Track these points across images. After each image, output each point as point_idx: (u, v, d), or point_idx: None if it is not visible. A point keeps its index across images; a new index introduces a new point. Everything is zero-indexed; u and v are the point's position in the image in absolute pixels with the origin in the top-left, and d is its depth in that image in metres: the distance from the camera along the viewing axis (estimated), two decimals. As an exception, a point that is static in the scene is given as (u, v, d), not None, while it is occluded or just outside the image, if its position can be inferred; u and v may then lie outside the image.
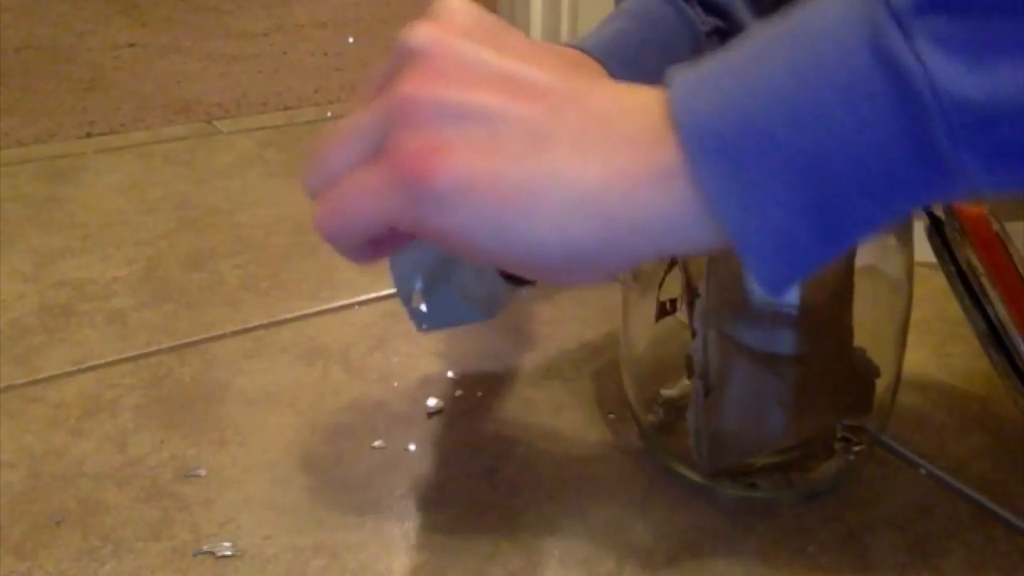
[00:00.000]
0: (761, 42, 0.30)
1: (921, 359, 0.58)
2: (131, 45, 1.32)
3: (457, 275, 0.47)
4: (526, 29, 1.21)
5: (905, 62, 0.27)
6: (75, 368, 0.58)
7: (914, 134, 0.27)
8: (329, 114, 1.04)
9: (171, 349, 0.60)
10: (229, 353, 0.59)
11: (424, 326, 0.48)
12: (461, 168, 0.30)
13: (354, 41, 1.34)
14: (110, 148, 0.94)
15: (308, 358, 0.59)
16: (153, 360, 0.59)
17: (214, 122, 1.02)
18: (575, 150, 0.30)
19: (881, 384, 0.47)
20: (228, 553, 0.43)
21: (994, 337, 0.45)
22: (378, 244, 0.34)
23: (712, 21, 0.60)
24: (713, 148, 0.29)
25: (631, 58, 0.57)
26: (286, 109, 1.05)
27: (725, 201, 0.29)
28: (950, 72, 0.27)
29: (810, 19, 0.29)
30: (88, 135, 0.98)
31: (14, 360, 0.59)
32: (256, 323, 0.63)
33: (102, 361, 0.58)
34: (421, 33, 0.32)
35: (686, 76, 0.31)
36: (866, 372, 0.47)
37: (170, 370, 0.58)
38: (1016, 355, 0.46)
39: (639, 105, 0.31)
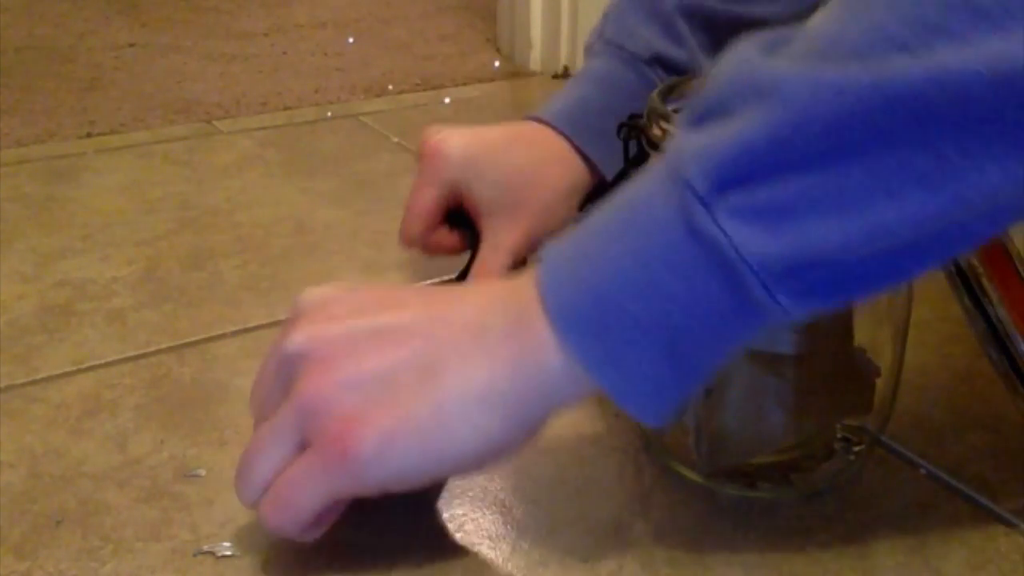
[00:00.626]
0: (605, 227, 0.37)
1: (921, 359, 0.58)
2: (131, 45, 1.32)
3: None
4: (526, 29, 1.21)
5: (713, 235, 0.33)
6: (75, 368, 0.58)
7: (734, 290, 0.34)
8: (329, 114, 1.04)
9: (171, 349, 0.60)
10: (229, 353, 0.59)
11: None
12: (377, 430, 0.36)
13: (354, 41, 1.34)
14: (110, 148, 0.94)
15: (308, 358, 0.59)
16: (153, 360, 0.59)
17: (214, 122, 1.02)
18: (459, 362, 0.37)
19: (881, 384, 0.47)
20: (228, 553, 0.44)
21: (994, 337, 0.45)
22: (319, 519, 0.40)
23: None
24: (577, 324, 0.36)
25: (594, 126, 0.62)
26: (286, 109, 1.05)
27: (595, 364, 0.36)
28: (750, 237, 0.33)
29: (637, 203, 0.36)
30: (88, 135, 0.98)
31: (14, 360, 0.59)
32: (256, 323, 0.63)
33: (102, 361, 0.58)
34: (296, 339, 0.39)
35: (551, 262, 0.37)
36: (866, 372, 0.47)
37: (170, 370, 0.58)
38: (1016, 355, 0.46)
39: (499, 301, 0.38)
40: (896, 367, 0.48)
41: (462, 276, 0.63)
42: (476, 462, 0.39)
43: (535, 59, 1.21)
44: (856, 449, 0.48)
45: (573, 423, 0.53)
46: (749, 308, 0.34)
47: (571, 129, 0.62)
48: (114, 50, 1.29)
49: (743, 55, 0.34)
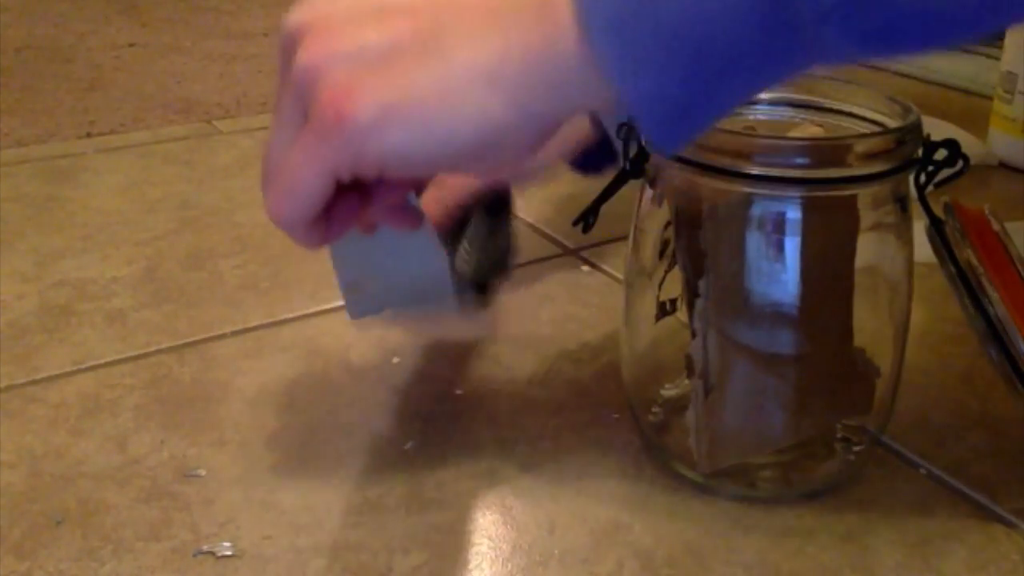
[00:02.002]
0: None
1: (921, 359, 0.58)
2: (131, 45, 1.31)
3: (396, 263, 0.47)
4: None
5: None
6: (75, 368, 0.58)
7: (783, 8, 0.31)
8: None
9: (171, 349, 0.60)
10: (229, 353, 0.59)
11: (357, 312, 0.50)
12: (375, 95, 0.33)
13: (354, 41, 1.34)
14: (110, 148, 0.94)
15: (308, 358, 0.59)
16: (153, 360, 0.59)
17: (214, 122, 1.02)
18: (468, 39, 0.34)
19: (881, 384, 0.47)
20: (228, 553, 0.44)
21: (994, 337, 0.45)
22: (327, 225, 0.38)
23: None
24: (605, 20, 0.32)
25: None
26: (286, 109, 1.05)
27: (618, 67, 0.33)
28: None
29: None
30: (88, 135, 0.98)
31: (14, 360, 0.59)
32: (256, 323, 0.63)
33: (102, 361, 0.58)
34: (294, 15, 0.36)
35: None
36: (866, 372, 0.47)
37: (170, 370, 0.58)
38: (1016, 355, 0.46)
39: None
40: (896, 367, 0.48)
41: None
42: (478, 145, 0.35)
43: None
44: (856, 449, 0.48)
45: (573, 423, 0.53)
46: (794, 36, 0.32)
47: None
48: (114, 50, 1.29)
49: None
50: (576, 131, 0.54)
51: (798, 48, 0.32)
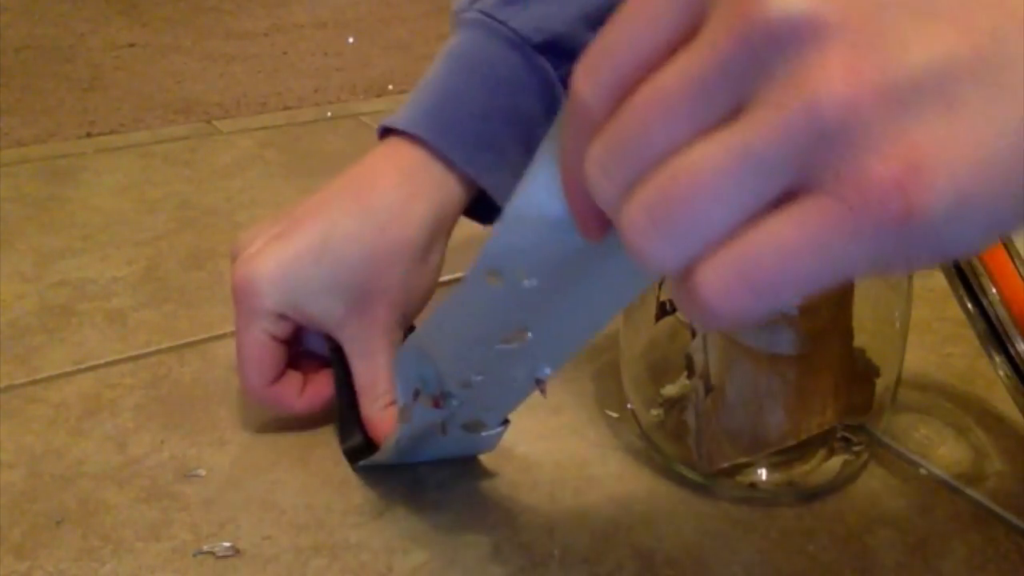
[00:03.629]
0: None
1: (921, 359, 0.58)
2: (131, 45, 1.31)
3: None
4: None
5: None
6: (75, 368, 0.58)
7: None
8: (329, 114, 1.04)
9: (171, 349, 0.60)
10: (229, 353, 0.59)
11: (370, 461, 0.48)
12: (950, 178, 0.21)
13: (354, 41, 1.34)
14: (110, 148, 0.94)
15: (308, 358, 0.59)
16: (153, 360, 0.59)
17: (214, 122, 1.02)
18: None
19: (881, 384, 0.47)
20: (228, 553, 0.44)
21: (994, 337, 0.45)
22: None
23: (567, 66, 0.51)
24: None
25: (467, 128, 0.50)
26: (286, 109, 1.05)
27: None
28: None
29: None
30: (88, 135, 0.98)
31: (14, 360, 0.59)
32: (256, 323, 0.63)
33: (102, 361, 0.58)
34: None
35: None
36: (866, 372, 0.47)
37: (170, 370, 0.58)
38: (1016, 355, 0.46)
39: None
40: (896, 367, 0.48)
41: (346, 406, 0.50)
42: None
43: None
44: (856, 449, 0.48)
45: (573, 423, 0.53)
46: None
47: (435, 133, 0.50)
48: (114, 50, 1.29)
49: None
50: (447, 205, 0.51)
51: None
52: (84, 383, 0.56)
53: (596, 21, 0.51)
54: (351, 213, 0.49)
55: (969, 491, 0.48)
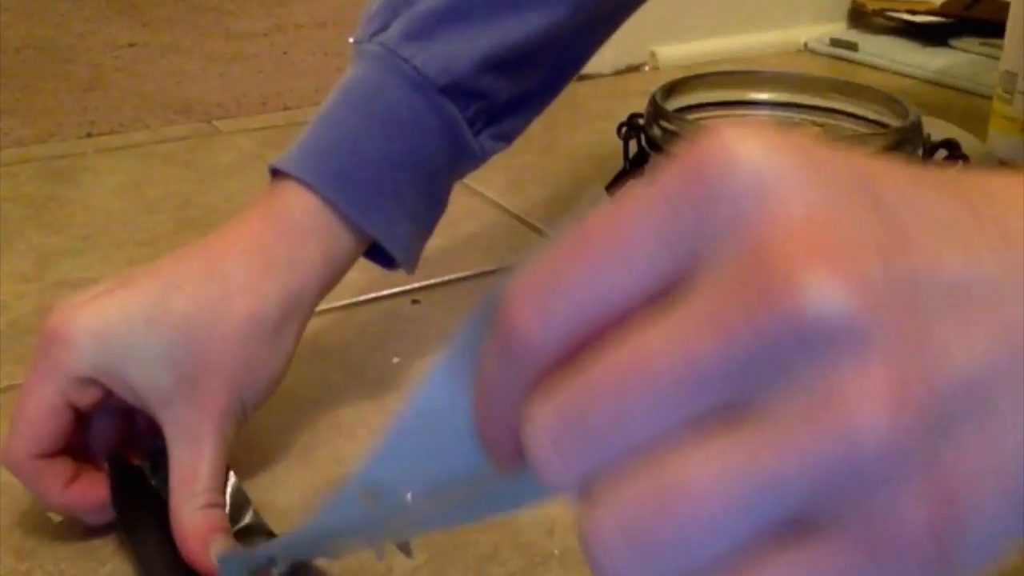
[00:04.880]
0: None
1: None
2: (131, 45, 1.31)
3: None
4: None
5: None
6: (75, 368, 0.58)
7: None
8: (329, 114, 1.04)
9: (171, 349, 0.60)
10: (229, 353, 0.59)
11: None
12: (980, 512, 0.18)
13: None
14: (110, 148, 0.94)
15: (308, 358, 0.59)
16: (153, 360, 0.59)
17: (214, 122, 1.02)
18: None
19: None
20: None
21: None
22: None
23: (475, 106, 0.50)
24: None
25: (359, 174, 0.47)
26: (286, 109, 1.05)
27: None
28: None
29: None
30: (88, 135, 0.98)
31: (14, 360, 0.59)
32: (256, 323, 0.63)
33: (102, 361, 0.58)
34: (829, 292, 0.17)
35: None
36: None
37: (170, 370, 0.57)
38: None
39: None
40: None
41: (133, 510, 0.43)
42: None
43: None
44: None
45: None
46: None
47: (327, 181, 0.46)
48: (114, 50, 1.29)
49: None
50: (333, 260, 0.48)
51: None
52: (84, 383, 0.56)
53: (503, 63, 0.49)
54: (197, 277, 0.43)
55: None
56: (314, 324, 0.62)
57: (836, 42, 1.24)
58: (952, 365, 0.18)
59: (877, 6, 1.26)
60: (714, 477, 0.18)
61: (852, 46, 1.22)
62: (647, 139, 0.45)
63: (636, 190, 0.19)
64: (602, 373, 0.19)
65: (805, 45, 1.28)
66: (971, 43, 1.18)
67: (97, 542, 0.44)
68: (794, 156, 0.18)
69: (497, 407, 0.22)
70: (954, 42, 1.19)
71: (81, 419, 0.43)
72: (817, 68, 1.20)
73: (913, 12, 1.24)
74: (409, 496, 0.29)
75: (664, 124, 0.44)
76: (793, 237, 0.17)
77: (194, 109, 1.05)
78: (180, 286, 0.42)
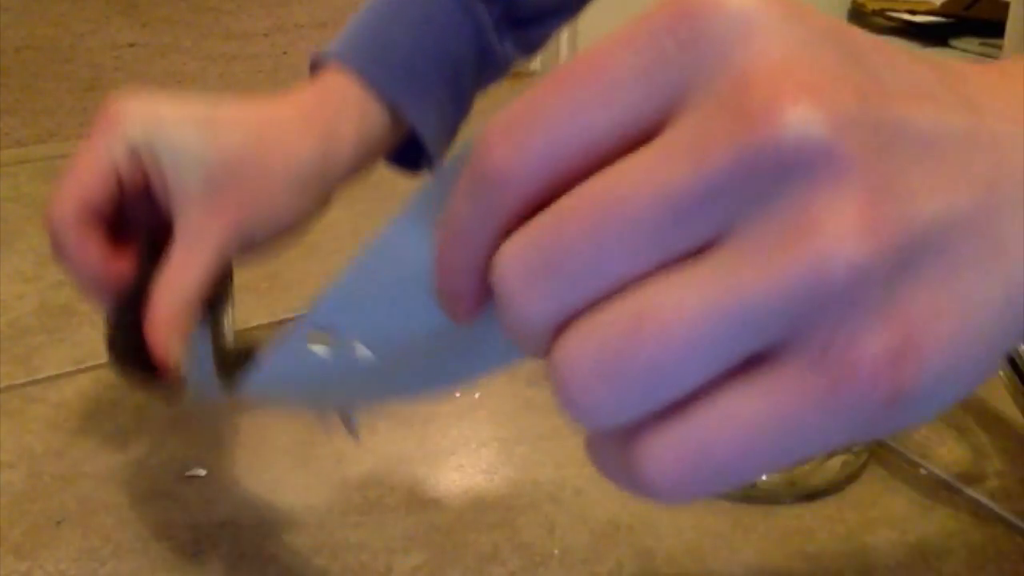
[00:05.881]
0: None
1: (921, 359, 0.58)
2: (131, 45, 1.32)
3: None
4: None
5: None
6: (75, 368, 0.58)
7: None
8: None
9: (171, 349, 0.60)
10: (229, 353, 0.59)
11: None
12: (941, 354, 0.19)
13: (354, 41, 1.34)
14: (110, 148, 0.94)
15: (308, 358, 0.59)
16: (153, 360, 0.59)
17: (214, 122, 1.01)
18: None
19: (881, 384, 0.47)
20: (228, 552, 0.43)
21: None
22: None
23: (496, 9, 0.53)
24: None
25: (396, 63, 0.50)
26: (286, 109, 1.05)
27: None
28: None
29: None
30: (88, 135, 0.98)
31: (14, 360, 0.59)
32: (256, 323, 0.63)
33: (102, 361, 0.58)
34: (805, 115, 0.17)
35: None
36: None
37: (170, 370, 0.57)
38: (1016, 355, 0.46)
39: None
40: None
41: (136, 289, 0.43)
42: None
43: (535, 59, 1.21)
44: (856, 449, 0.48)
45: (572, 423, 0.53)
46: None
47: (363, 62, 0.49)
48: (114, 50, 1.29)
49: None
50: (367, 133, 0.49)
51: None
52: (84, 383, 0.56)
53: None
54: (247, 116, 0.46)
55: (969, 491, 0.48)
56: (314, 324, 0.62)
57: (836, 42, 1.23)
58: (919, 207, 0.18)
59: (877, 6, 1.26)
60: (687, 304, 0.18)
61: (852, 46, 1.21)
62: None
63: (622, 28, 0.19)
64: (575, 205, 0.19)
65: (805, 45, 1.28)
66: (971, 43, 1.18)
67: (97, 542, 0.44)
68: (780, 4, 0.19)
69: (465, 249, 0.21)
70: (954, 42, 1.19)
71: (123, 194, 0.44)
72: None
73: (913, 12, 1.24)
74: (359, 350, 0.27)
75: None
76: (776, 72, 0.18)
77: (194, 109, 1.05)
78: (231, 116, 0.45)
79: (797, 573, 0.43)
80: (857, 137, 0.18)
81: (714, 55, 0.18)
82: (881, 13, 1.26)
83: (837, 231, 0.17)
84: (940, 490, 0.48)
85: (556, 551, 0.44)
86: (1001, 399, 0.50)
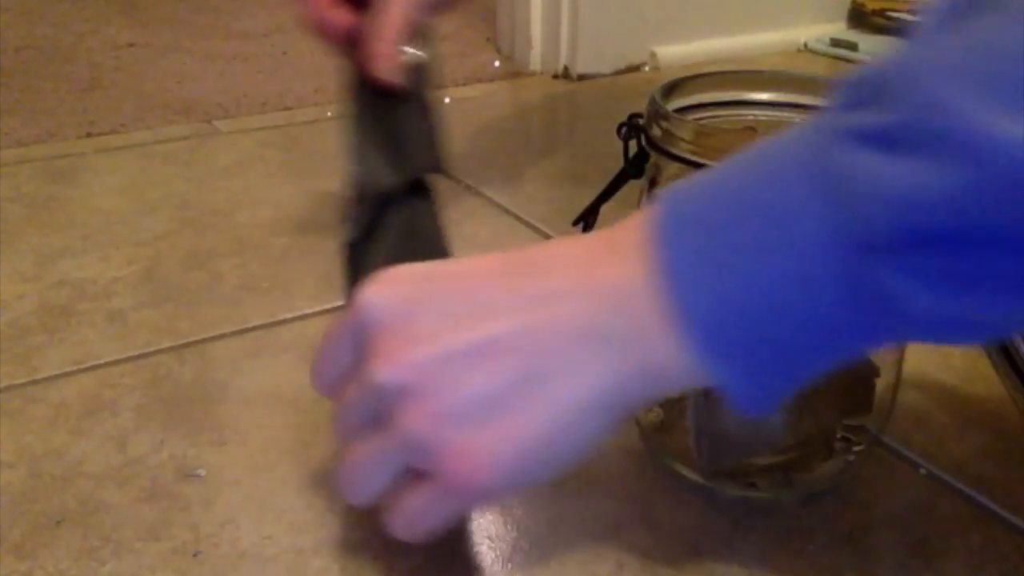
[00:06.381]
0: (742, 223, 0.31)
1: (921, 359, 0.58)
2: (131, 45, 1.32)
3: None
4: (526, 29, 1.21)
5: (881, 286, 0.29)
6: (75, 368, 0.58)
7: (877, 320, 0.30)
8: (329, 114, 1.04)
9: (171, 349, 0.60)
10: (229, 353, 0.59)
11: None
12: (498, 457, 0.34)
13: (354, 41, 1.34)
14: (110, 148, 0.94)
15: (308, 358, 0.58)
16: (153, 360, 0.59)
17: (214, 122, 1.02)
18: (570, 371, 0.34)
19: (881, 384, 0.47)
20: (228, 552, 0.43)
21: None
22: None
23: None
24: (717, 344, 0.32)
25: None
26: (286, 109, 1.05)
27: (733, 382, 0.32)
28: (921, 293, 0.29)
29: (781, 205, 0.30)
30: (88, 135, 0.98)
31: (14, 360, 0.59)
32: (256, 323, 0.63)
33: (102, 361, 0.58)
34: (385, 370, 0.36)
35: (675, 251, 0.32)
36: (866, 372, 0.47)
37: (170, 370, 0.58)
38: (1016, 355, 0.46)
39: (609, 299, 0.33)
40: (896, 367, 0.48)
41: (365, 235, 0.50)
42: (579, 460, 0.36)
43: (535, 59, 1.21)
44: (856, 449, 0.48)
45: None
46: (872, 303, 0.30)
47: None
48: (114, 50, 1.29)
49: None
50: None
51: (879, 315, 0.30)
52: (84, 383, 0.56)
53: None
54: None
55: (969, 491, 0.48)
56: (316, 325, 0.62)
57: (836, 42, 1.24)
58: (457, 393, 0.34)
59: (877, 6, 1.27)
60: (363, 453, 0.38)
61: (852, 46, 1.22)
62: (647, 139, 0.45)
63: (341, 317, 0.38)
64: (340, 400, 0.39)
65: (805, 45, 1.28)
66: None
67: (97, 542, 0.44)
68: (379, 283, 0.37)
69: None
70: (954, 42, 1.19)
71: None
72: (817, 68, 1.20)
73: (913, 12, 1.24)
74: None
75: (664, 124, 0.44)
76: (376, 349, 0.36)
77: (194, 109, 1.05)
78: None
79: (797, 573, 0.43)
80: (411, 370, 0.35)
81: (363, 335, 0.37)
82: (881, 13, 1.26)
83: (402, 424, 0.35)
84: (940, 490, 0.48)
85: (556, 551, 0.44)
86: (1001, 399, 0.50)
